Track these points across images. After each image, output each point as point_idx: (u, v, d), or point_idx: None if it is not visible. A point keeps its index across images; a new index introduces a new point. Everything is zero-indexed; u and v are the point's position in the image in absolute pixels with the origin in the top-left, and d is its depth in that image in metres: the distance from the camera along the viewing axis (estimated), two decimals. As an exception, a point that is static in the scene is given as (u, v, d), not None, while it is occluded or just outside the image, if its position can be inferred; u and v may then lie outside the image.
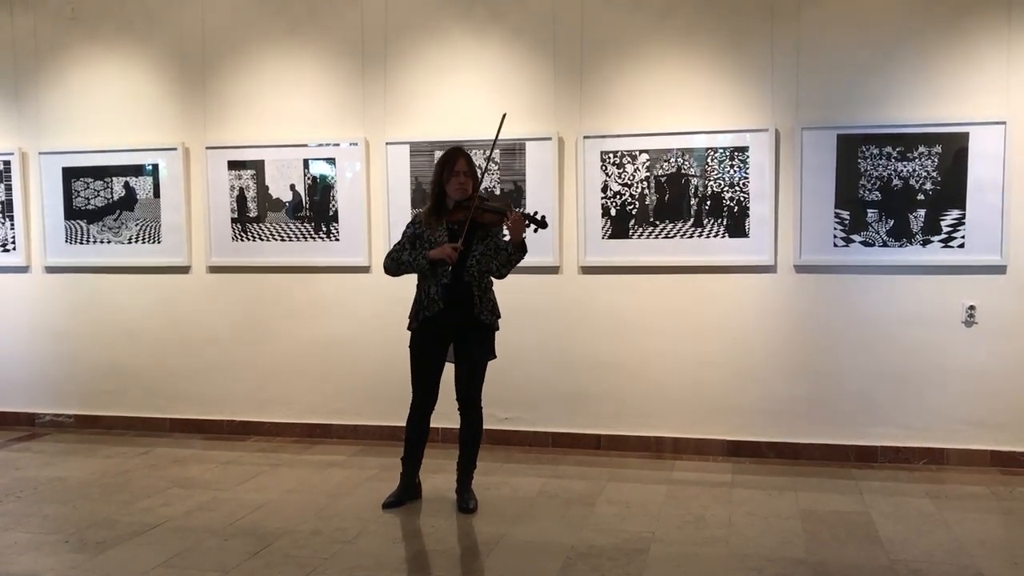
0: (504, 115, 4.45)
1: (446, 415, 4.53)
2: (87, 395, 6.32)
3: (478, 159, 5.51)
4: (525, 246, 4.30)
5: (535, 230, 4.33)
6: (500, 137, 4.22)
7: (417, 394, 4.42)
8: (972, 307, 5.09)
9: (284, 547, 3.94)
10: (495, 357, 4.42)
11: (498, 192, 5.53)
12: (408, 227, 4.44)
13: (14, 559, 3.84)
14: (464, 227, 4.24)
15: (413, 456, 4.51)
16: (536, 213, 4.35)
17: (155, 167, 6.05)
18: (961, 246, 5.06)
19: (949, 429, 5.16)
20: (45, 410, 6.39)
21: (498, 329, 4.41)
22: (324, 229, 5.83)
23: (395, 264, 4.37)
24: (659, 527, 4.17)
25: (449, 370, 4.45)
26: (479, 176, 4.43)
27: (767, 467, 5.19)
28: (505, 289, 5.49)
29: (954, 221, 5.06)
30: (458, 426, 4.46)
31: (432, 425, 4.50)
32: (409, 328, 4.41)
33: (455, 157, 4.31)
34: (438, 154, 5.53)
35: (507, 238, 4.33)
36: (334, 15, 5.76)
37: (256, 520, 4.32)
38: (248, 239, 5.95)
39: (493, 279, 4.41)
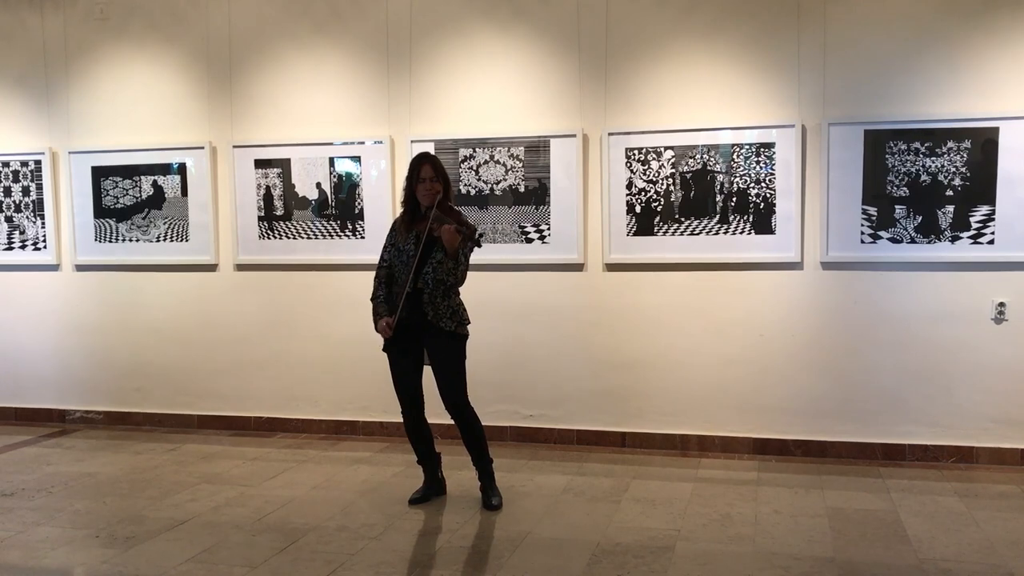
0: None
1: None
2: (116, 392, 6.39)
3: (498, 157, 5.52)
4: (459, 257, 4.25)
5: (471, 247, 4.30)
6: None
7: (398, 398, 4.48)
8: (1002, 304, 5.03)
9: (311, 543, 3.97)
10: (463, 358, 4.39)
11: (522, 190, 5.53)
12: (387, 236, 4.48)
13: (46, 553, 3.90)
14: (425, 234, 4.25)
15: (424, 455, 4.57)
16: (476, 233, 4.26)
17: (183, 166, 6.11)
18: (991, 242, 5.00)
19: (979, 427, 5.10)
20: (75, 407, 6.47)
21: (466, 335, 4.39)
22: (350, 227, 5.86)
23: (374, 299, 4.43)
24: (685, 525, 4.16)
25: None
26: (449, 182, 4.41)
27: (793, 465, 5.16)
28: (529, 286, 5.46)
29: (984, 217, 5.00)
30: None
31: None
32: None
33: (420, 164, 4.34)
34: (463, 152, 5.59)
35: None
36: (359, 14, 5.78)
37: (283, 516, 4.35)
38: (275, 237, 5.99)
39: (458, 287, 4.38)
